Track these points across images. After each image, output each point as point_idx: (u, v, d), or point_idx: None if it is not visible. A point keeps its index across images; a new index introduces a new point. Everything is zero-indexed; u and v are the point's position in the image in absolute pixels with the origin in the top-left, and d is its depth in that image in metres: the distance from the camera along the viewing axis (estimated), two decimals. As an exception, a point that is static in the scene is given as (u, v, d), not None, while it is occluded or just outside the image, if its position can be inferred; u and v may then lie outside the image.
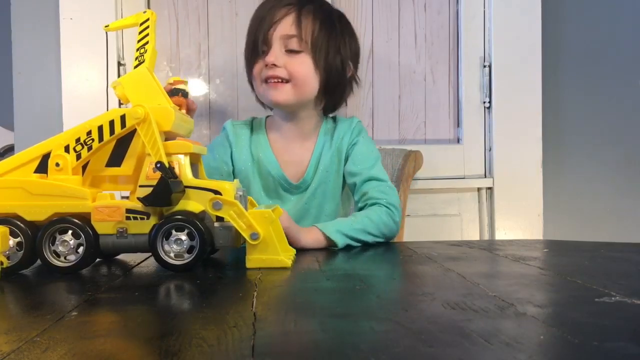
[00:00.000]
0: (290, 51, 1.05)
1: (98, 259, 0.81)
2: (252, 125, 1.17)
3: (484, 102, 1.51)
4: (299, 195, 1.11)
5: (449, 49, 1.54)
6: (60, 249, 0.70)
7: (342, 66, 1.10)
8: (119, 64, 1.43)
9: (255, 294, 0.57)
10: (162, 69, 1.48)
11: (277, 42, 1.04)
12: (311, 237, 0.92)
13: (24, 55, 1.40)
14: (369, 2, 1.52)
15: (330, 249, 0.93)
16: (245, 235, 0.72)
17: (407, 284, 0.67)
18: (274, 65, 1.04)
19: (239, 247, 0.76)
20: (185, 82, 0.88)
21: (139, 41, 0.79)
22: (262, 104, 1.17)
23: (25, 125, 1.39)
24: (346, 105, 1.23)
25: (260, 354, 0.38)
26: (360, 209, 1.05)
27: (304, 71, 1.05)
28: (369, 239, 0.97)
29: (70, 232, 0.70)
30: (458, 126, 1.55)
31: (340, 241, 0.93)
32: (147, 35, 0.79)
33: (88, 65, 1.39)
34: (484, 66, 1.50)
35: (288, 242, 0.81)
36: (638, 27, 1.57)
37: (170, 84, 0.87)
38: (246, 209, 0.75)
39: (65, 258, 0.71)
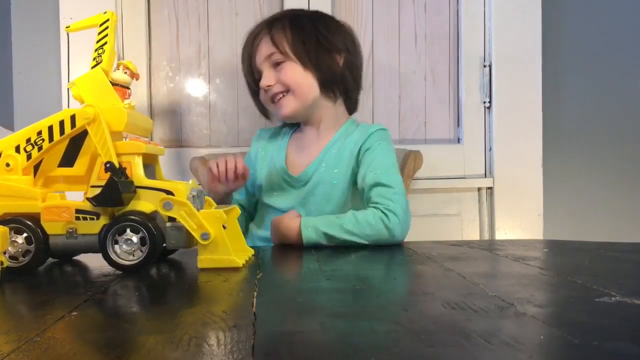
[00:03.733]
0: (276, 64, 1.12)
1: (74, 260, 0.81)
2: (281, 129, 1.25)
3: (484, 102, 1.51)
4: (299, 189, 1.13)
5: (449, 49, 1.54)
6: (10, 249, 0.70)
7: (330, 57, 1.14)
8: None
9: (255, 294, 0.57)
10: (162, 69, 1.48)
11: (264, 66, 1.13)
12: (285, 225, 0.98)
13: (24, 55, 1.40)
14: (369, 3, 1.52)
15: (325, 246, 0.94)
16: (196, 235, 0.71)
17: (407, 284, 0.67)
18: (269, 86, 1.12)
19: (192, 247, 0.75)
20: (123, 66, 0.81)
21: (97, 42, 0.79)
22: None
23: (25, 126, 1.38)
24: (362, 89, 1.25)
25: (260, 354, 0.38)
26: None
27: (295, 76, 1.11)
28: (347, 236, 0.95)
29: (13, 231, 0.70)
30: (458, 126, 1.55)
31: (307, 234, 0.95)
32: (106, 36, 0.79)
33: (88, 65, 1.39)
34: (484, 66, 1.50)
35: (275, 232, 0.90)
36: (638, 27, 1.57)
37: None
38: (202, 209, 0.75)
39: (23, 257, 0.71)
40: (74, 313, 0.51)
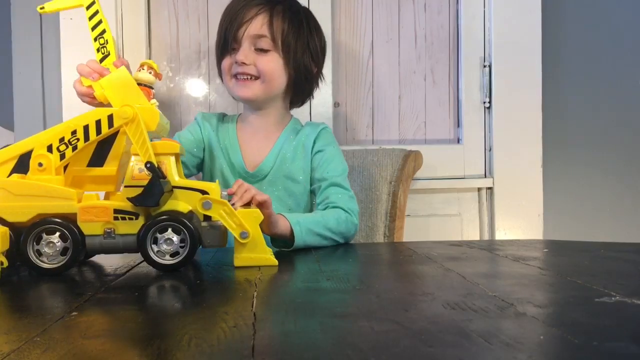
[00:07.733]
0: (259, 50, 1.08)
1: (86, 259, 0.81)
2: (223, 117, 1.20)
3: (484, 102, 1.51)
4: (256, 185, 1.07)
5: (449, 49, 1.54)
6: (46, 250, 0.69)
7: (310, 64, 1.13)
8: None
9: (255, 294, 0.57)
10: (162, 69, 1.48)
11: (247, 41, 1.07)
12: (282, 224, 0.90)
13: (24, 55, 1.40)
14: (369, 2, 1.52)
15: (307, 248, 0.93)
16: (236, 234, 0.72)
17: (407, 284, 0.66)
18: (243, 63, 1.07)
19: (225, 246, 0.76)
20: (145, 66, 0.80)
21: (92, 29, 0.76)
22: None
23: (25, 125, 1.39)
24: (312, 97, 1.25)
25: (260, 353, 0.38)
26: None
27: (273, 68, 1.08)
28: (328, 234, 0.96)
29: (57, 233, 0.69)
30: (458, 126, 1.55)
31: (298, 233, 0.90)
32: (100, 22, 0.76)
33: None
34: (484, 66, 1.50)
35: (265, 228, 0.85)
36: (638, 27, 1.57)
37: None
38: None
39: (57, 258, 0.70)
40: (74, 313, 0.51)
